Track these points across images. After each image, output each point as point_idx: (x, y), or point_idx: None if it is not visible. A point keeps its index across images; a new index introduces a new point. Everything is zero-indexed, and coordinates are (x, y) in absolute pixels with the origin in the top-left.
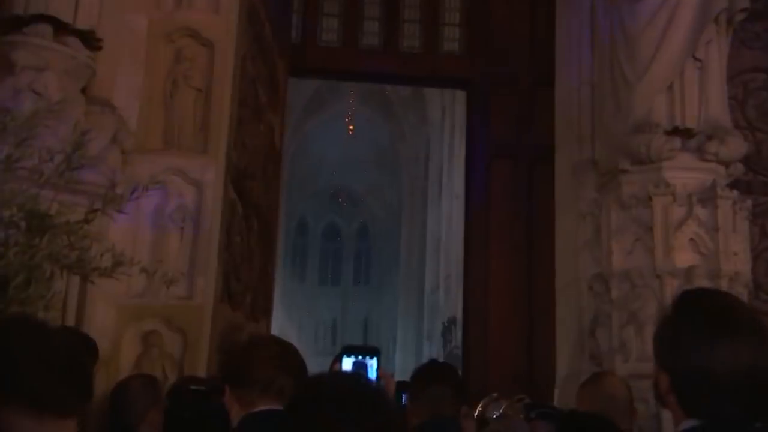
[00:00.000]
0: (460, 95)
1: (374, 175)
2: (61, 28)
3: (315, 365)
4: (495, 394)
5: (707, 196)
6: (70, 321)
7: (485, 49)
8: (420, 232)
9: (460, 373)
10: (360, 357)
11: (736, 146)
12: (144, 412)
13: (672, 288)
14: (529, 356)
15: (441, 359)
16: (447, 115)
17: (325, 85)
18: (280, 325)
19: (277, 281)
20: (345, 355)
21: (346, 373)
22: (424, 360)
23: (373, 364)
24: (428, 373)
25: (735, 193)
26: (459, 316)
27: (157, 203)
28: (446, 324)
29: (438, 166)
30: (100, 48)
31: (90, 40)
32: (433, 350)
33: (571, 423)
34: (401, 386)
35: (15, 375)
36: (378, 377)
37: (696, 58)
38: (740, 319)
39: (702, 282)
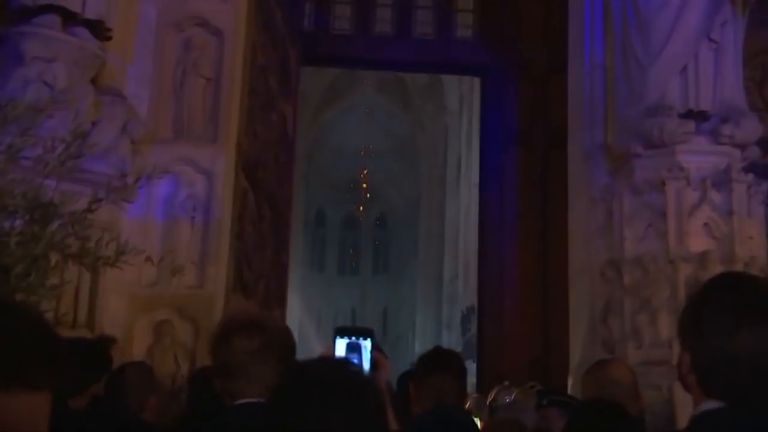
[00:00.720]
0: (479, 84)
1: (392, 165)
2: (69, 18)
3: None
4: (506, 382)
5: (722, 180)
6: (83, 311)
7: (499, 35)
8: (438, 222)
9: (475, 360)
10: (354, 338)
11: (752, 128)
12: (144, 399)
13: (685, 274)
14: (544, 343)
15: (460, 348)
16: (465, 103)
17: (342, 75)
18: (299, 315)
19: (296, 271)
20: (338, 337)
21: (332, 359)
22: None
23: (367, 345)
24: (431, 361)
25: (750, 176)
26: None
27: (167, 193)
28: (465, 313)
29: (456, 155)
30: (109, 38)
31: (99, 29)
32: (452, 339)
33: (583, 412)
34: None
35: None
36: (372, 359)
37: (711, 39)
38: (766, 299)
39: (716, 267)
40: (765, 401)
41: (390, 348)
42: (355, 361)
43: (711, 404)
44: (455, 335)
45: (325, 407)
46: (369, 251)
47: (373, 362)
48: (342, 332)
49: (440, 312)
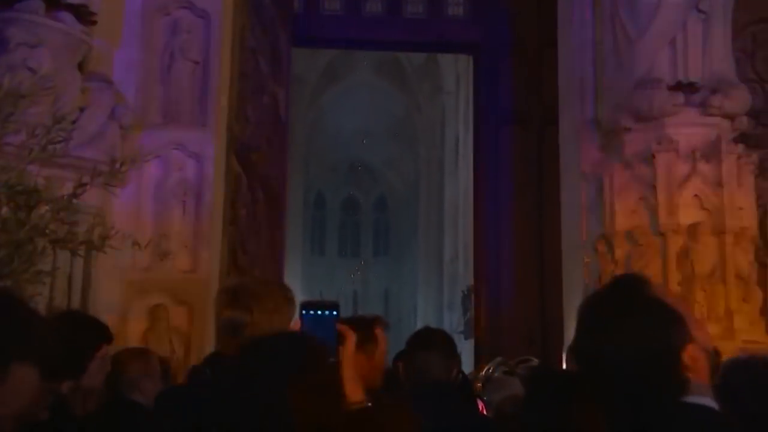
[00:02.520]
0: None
1: (391, 146)
2: (53, 3)
3: None
4: (500, 358)
5: (711, 151)
6: (76, 296)
7: (491, 13)
8: (438, 202)
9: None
10: (319, 312)
11: (741, 99)
12: (136, 381)
13: (676, 246)
14: (542, 320)
15: (461, 327)
16: (462, 83)
17: (338, 57)
18: (301, 298)
19: (296, 254)
20: (304, 312)
21: (290, 332)
22: (445, 329)
23: (332, 319)
24: (416, 340)
25: (740, 147)
26: None
27: (158, 177)
28: (465, 292)
29: (454, 135)
30: (94, 22)
31: (84, 14)
32: (453, 319)
33: (540, 382)
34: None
35: (31, 334)
36: (337, 331)
37: (699, 10)
38: (625, 307)
39: (706, 239)
40: (627, 407)
41: (392, 329)
42: (321, 334)
43: None
44: (456, 315)
45: (279, 376)
46: (369, 233)
47: (339, 335)
48: (308, 307)
49: (441, 292)
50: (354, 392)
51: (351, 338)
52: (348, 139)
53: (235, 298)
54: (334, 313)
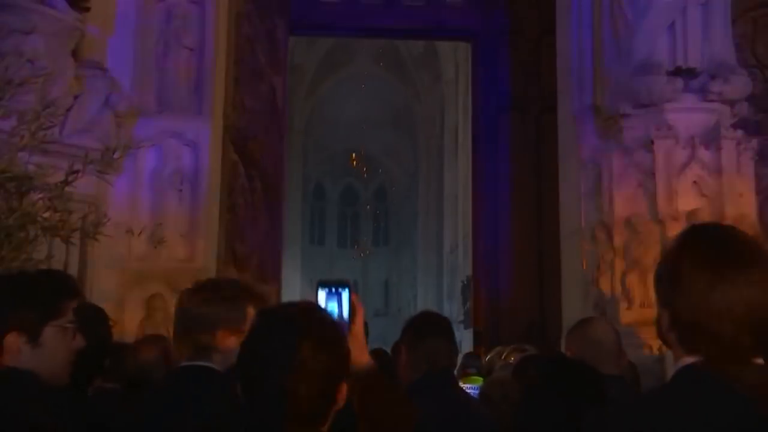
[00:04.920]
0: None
1: (390, 136)
2: None
3: None
4: (499, 347)
5: (711, 138)
6: None
7: None
8: (437, 192)
9: (472, 326)
10: (333, 289)
11: (741, 85)
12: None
13: (675, 233)
14: (540, 307)
15: (461, 317)
16: (461, 72)
17: (337, 47)
18: (301, 288)
19: (296, 245)
20: (320, 288)
21: (301, 302)
22: None
23: (344, 294)
24: (423, 325)
25: (739, 133)
26: None
27: (154, 166)
28: (465, 282)
29: (453, 124)
30: (88, 9)
31: (77, 1)
32: (453, 309)
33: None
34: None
35: None
36: (350, 303)
37: None
38: (744, 251)
39: None
40: (746, 354)
41: (392, 319)
42: (336, 307)
43: (690, 360)
44: (456, 305)
45: (289, 336)
46: (369, 224)
47: (351, 307)
48: (323, 284)
49: (441, 282)
50: (362, 356)
51: (360, 310)
52: (347, 129)
53: None
54: (346, 289)
